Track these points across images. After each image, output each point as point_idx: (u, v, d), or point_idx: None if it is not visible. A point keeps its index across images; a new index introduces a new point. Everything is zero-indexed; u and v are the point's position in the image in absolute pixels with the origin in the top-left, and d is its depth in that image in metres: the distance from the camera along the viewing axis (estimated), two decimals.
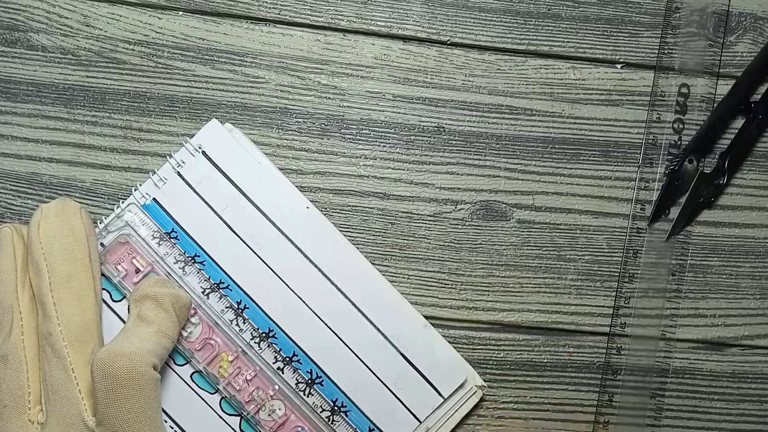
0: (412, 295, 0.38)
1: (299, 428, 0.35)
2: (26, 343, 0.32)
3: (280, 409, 0.35)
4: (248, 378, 0.35)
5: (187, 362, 0.35)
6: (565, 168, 0.39)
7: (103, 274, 0.35)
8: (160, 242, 0.36)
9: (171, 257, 0.36)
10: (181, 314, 0.34)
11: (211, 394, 0.35)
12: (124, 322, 0.35)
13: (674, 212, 0.39)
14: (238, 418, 0.36)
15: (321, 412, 0.36)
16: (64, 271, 0.32)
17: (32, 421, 0.31)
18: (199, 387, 0.35)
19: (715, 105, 0.40)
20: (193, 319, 0.35)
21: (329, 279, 0.37)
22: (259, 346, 0.36)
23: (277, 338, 0.36)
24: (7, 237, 0.33)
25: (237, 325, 0.36)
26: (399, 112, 0.39)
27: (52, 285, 0.32)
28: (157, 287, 0.33)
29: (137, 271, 0.35)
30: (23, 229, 0.34)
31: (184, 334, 0.35)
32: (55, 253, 0.32)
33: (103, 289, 0.35)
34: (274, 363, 0.36)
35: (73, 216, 0.33)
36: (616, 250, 0.39)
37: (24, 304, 0.32)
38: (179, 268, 0.36)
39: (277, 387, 0.35)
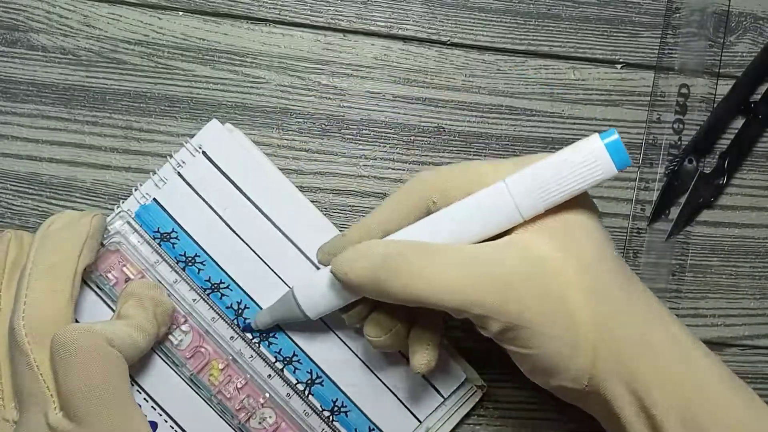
0: None
1: None
2: (0, 342, 0.31)
3: (270, 417, 0.35)
4: (239, 386, 0.35)
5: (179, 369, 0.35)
6: None
7: (96, 282, 0.35)
8: (151, 249, 0.36)
9: (162, 265, 0.36)
10: (161, 318, 0.34)
11: (212, 395, 0.35)
12: None
13: (674, 212, 0.39)
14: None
15: (321, 412, 0.36)
16: (48, 261, 0.31)
17: (8, 420, 0.31)
18: (200, 388, 0.35)
19: (715, 105, 0.40)
20: (183, 327, 0.35)
21: None
22: (258, 347, 0.36)
23: (277, 338, 0.36)
24: (3, 238, 0.33)
25: (238, 325, 0.36)
26: (399, 113, 0.39)
27: (31, 274, 0.31)
28: (142, 288, 0.33)
29: (127, 279, 0.35)
30: (27, 237, 0.34)
31: (174, 342, 0.35)
32: (47, 243, 0.32)
33: (103, 288, 0.35)
34: (274, 363, 0.36)
35: (82, 217, 0.33)
36: (616, 250, 0.39)
37: (5, 302, 0.32)
38: (170, 274, 0.36)
39: (267, 395, 0.35)
